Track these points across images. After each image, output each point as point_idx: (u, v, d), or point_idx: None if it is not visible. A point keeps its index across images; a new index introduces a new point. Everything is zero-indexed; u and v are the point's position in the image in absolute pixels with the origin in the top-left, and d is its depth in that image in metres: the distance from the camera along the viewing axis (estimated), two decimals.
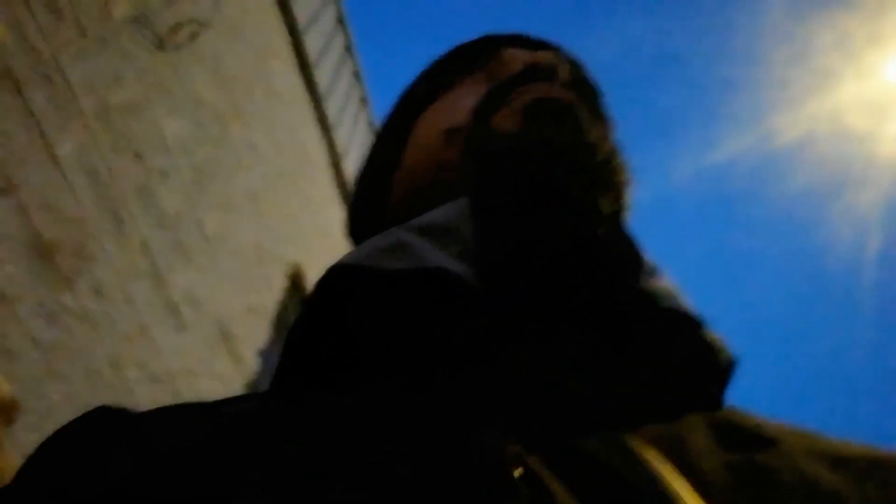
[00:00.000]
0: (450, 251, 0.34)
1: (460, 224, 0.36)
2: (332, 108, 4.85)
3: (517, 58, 0.48)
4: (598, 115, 0.47)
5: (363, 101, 5.77)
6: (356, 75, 5.63)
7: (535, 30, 0.53)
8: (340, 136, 4.99)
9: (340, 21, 5.29)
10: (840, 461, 0.27)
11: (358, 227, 0.53)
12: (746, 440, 0.28)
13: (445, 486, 0.22)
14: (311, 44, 4.49)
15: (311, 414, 0.29)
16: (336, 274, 0.33)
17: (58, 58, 1.81)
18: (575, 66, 0.51)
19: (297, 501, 0.22)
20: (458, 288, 0.32)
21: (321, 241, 4.55)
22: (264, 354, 3.44)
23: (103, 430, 0.28)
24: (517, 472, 0.23)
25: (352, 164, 5.23)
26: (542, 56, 0.46)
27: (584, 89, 0.49)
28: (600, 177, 0.39)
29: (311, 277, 4.17)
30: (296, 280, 4.03)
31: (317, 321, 0.33)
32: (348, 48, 5.46)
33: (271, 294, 3.70)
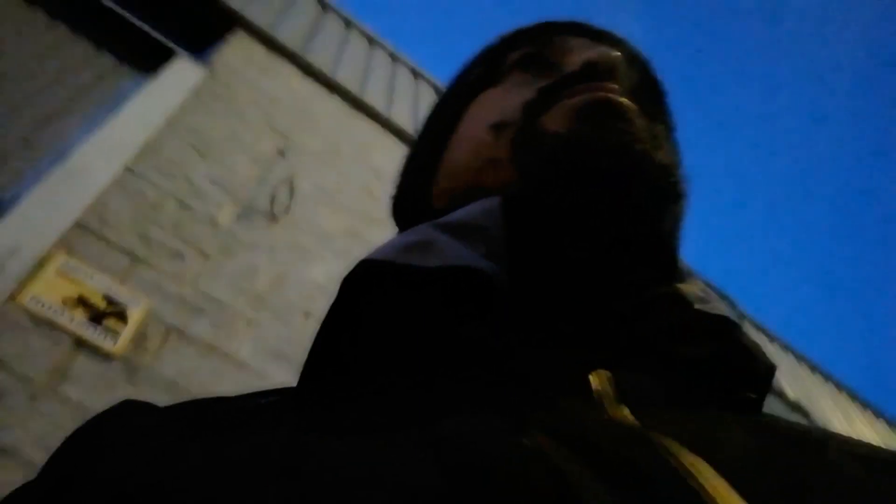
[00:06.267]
0: (477, 250, 0.34)
1: (489, 223, 0.36)
2: None
3: (576, 49, 0.46)
4: (658, 117, 0.44)
5: None
6: None
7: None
8: None
9: (415, 74, 5.43)
10: (890, 466, 0.26)
11: (402, 212, 0.53)
12: (788, 441, 0.26)
13: (461, 477, 0.21)
14: (399, 115, 4.66)
15: (325, 409, 0.29)
16: (361, 269, 0.34)
17: (200, 289, 2.12)
18: (637, 62, 0.48)
19: (306, 499, 0.22)
20: (482, 286, 0.32)
21: None
22: None
23: (122, 424, 0.30)
24: (537, 462, 0.22)
25: None
26: (602, 52, 0.43)
27: (645, 88, 0.46)
28: (649, 184, 0.38)
29: None
30: None
31: (341, 316, 0.33)
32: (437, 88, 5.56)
33: None
